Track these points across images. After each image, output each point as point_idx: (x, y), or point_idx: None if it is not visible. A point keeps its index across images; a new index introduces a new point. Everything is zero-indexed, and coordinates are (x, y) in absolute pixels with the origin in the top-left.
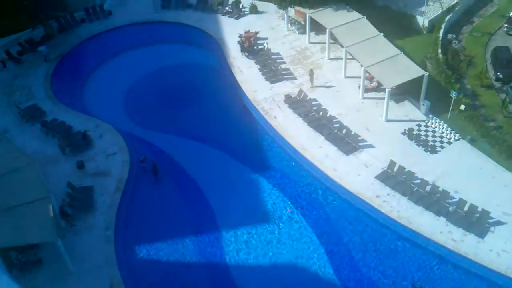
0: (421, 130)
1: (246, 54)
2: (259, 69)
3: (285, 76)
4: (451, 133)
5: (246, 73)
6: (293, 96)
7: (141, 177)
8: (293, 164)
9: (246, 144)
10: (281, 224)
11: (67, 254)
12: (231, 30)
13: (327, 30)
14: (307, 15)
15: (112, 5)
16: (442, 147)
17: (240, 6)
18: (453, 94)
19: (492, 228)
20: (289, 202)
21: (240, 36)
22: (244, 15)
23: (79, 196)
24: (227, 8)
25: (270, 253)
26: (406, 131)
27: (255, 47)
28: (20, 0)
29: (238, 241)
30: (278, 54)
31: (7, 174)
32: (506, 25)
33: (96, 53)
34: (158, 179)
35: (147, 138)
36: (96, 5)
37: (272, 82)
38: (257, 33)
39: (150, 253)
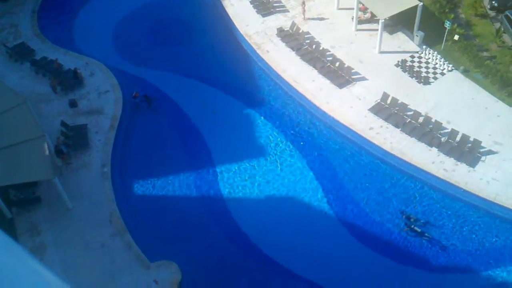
0: (415, 62)
1: None
2: (250, 2)
3: (277, 9)
4: (444, 64)
5: (237, 7)
6: (285, 29)
7: (134, 113)
8: (286, 98)
9: (238, 78)
10: (274, 157)
11: (65, 192)
12: None
13: None
14: None
15: None
16: (435, 78)
17: None
18: (447, 24)
19: (483, 158)
20: (282, 136)
21: None
22: None
23: (74, 135)
24: None
25: (264, 183)
26: (399, 63)
27: None
28: None
29: (232, 174)
30: None
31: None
32: None
33: None
34: (152, 108)
35: (139, 75)
36: None
37: (264, 16)
38: None
39: (146, 188)
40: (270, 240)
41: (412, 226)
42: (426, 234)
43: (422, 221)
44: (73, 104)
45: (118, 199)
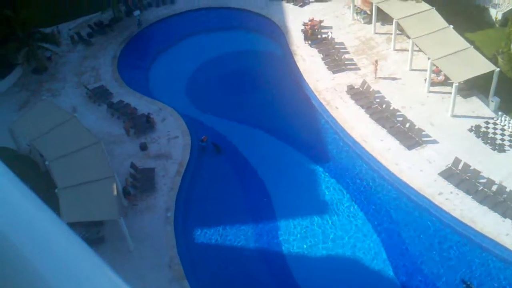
0: (489, 128)
1: (309, 42)
2: (322, 58)
3: (348, 66)
4: None
5: (308, 62)
6: (355, 87)
7: (201, 159)
8: (353, 156)
9: (306, 133)
10: (338, 216)
11: (128, 233)
12: (295, 18)
13: (394, 20)
14: (374, 4)
15: None
16: (511, 146)
17: None
18: None
19: None
20: (348, 196)
21: (304, 24)
22: (308, 3)
23: (142, 177)
24: None
25: (326, 242)
26: (473, 128)
27: (319, 36)
28: None
29: (295, 231)
30: (342, 43)
31: (75, 152)
32: None
33: (161, 37)
34: (219, 155)
35: (209, 123)
36: None
37: (334, 72)
38: (321, 21)
39: (207, 235)
40: None
41: None
42: None
43: None
44: (143, 147)
45: (179, 245)
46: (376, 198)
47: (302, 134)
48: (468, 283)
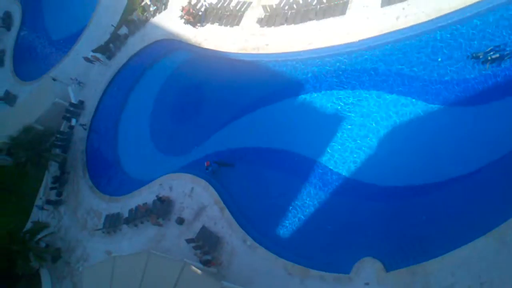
0: None
1: (199, 25)
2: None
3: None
4: None
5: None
6: None
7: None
8: None
9: None
10: None
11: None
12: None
13: None
14: None
15: None
16: None
17: None
18: None
19: None
20: None
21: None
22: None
23: (204, 242)
24: None
25: None
26: None
27: (200, 13)
28: None
29: None
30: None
31: None
32: None
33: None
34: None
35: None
36: None
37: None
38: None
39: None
40: None
41: (489, 57)
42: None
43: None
44: (180, 221)
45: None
46: None
47: None
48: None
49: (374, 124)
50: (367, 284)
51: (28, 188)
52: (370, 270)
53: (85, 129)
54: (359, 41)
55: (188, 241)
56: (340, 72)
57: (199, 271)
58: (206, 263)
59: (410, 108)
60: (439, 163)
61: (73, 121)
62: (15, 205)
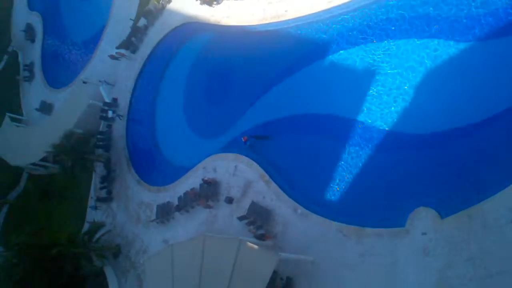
0: None
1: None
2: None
3: None
4: None
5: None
6: None
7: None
8: None
9: None
10: None
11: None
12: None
13: None
14: None
15: None
16: None
17: None
18: None
19: None
20: None
21: None
22: None
23: (256, 217)
24: None
25: None
26: None
27: None
28: None
29: None
30: None
31: None
32: None
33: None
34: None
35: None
36: None
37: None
38: None
39: None
40: None
41: None
42: None
43: None
44: (229, 200)
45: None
46: None
47: None
48: None
49: (406, 72)
50: (424, 234)
51: (80, 191)
52: (425, 220)
53: (121, 119)
54: None
55: (240, 218)
56: (365, 26)
57: (255, 246)
58: (260, 237)
59: (441, 49)
60: (478, 101)
61: (110, 113)
62: (70, 210)
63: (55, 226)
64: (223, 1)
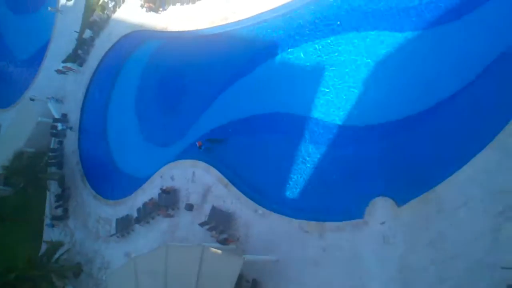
0: None
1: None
2: None
3: None
4: None
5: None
6: None
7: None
8: None
9: None
10: None
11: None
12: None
13: None
14: None
15: None
16: None
17: None
18: None
19: None
20: None
21: None
22: None
23: (218, 221)
24: None
25: None
26: None
27: None
28: None
29: None
30: None
31: None
32: None
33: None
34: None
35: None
36: None
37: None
38: None
39: None
40: None
41: None
42: None
43: None
44: (189, 208)
45: None
46: None
47: None
48: None
49: (355, 66)
50: (383, 223)
51: (34, 212)
52: (383, 209)
53: (72, 130)
54: None
55: (202, 224)
56: (312, 22)
57: (219, 251)
58: (223, 241)
59: (387, 41)
60: (427, 87)
61: (59, 126)
62: (25, 232)
63: (11, 250)
64: (169, 7)
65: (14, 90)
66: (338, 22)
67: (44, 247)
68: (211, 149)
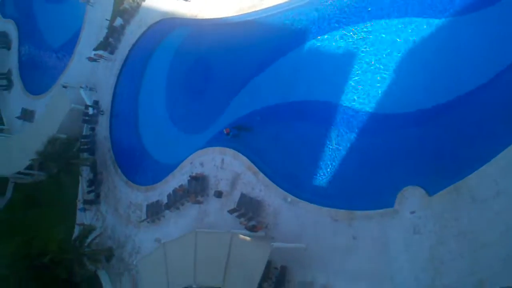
0: None
1: None
2: None
3: None
4: None
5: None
6: None
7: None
8: None
9: None
10: None
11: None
12: None
13: None
14: None
15: None
16: None
17: None
18: None
19: None
20: None
21: None
22: None
23: (247, 209)
24: None
25: None
26: None
27: None
28: None
29: None
30: None
31: None
32: None
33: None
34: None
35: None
36: None
37: None
38: None
39: None
40: None
41: None
42: None
43: None
44: (218, 195)
45: None
46: None
47: None
48: None
49: (385, 53)
50: (413, 212)
51: (67, 196)
52: (413, 198)
53: (102, 114)
54: None
55: (231, 211)
56: (343, 7)
57: (248, 238)
58: (252, 228)
59: (418, 28)
60: (459, 75)
61: (91, 110)
62: (59, 216)
63: (45, 233)
64: None
65: (48, 77)
66: (369, 8)
67: (77, 230)
68: (240, 136)
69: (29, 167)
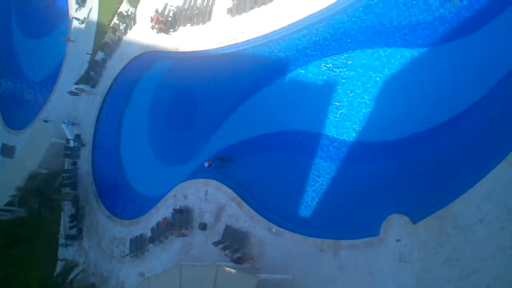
0: None
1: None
2: None
3: None
4: None
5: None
6: None
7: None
8: None
9: None
10: None
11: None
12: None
13: None
14: None
15: None
16: None
17: None
18: None
19: None
20: None
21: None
22: None
23: (232, 240)
24: None
25: None
26: None
27: (169, 19)
28: None
29: None
30: None
31: None
32: None
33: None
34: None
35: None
36: None
37: None
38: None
39: None
40: None
41: None
42: None
43: None
44: (203, 227)
45: None
46: None
47: None
48: None
49: (366, 82)
50: (398, 240)
51: (49, 233)
52: (398, 226)
53: (84, 146)
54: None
55: (215, 243)
56: (322, 40)
57: (233, 270)
58: (238, 260)
59: (397, 58)
60: (439, 103)
61: (71, 143)
62: (40, 253)
63: (26, 271)
64: (180, 28)
65: (28, 112)
66: (349, 40)
67: (59, 267)
68: (223, 167)
69: (9, 203)
